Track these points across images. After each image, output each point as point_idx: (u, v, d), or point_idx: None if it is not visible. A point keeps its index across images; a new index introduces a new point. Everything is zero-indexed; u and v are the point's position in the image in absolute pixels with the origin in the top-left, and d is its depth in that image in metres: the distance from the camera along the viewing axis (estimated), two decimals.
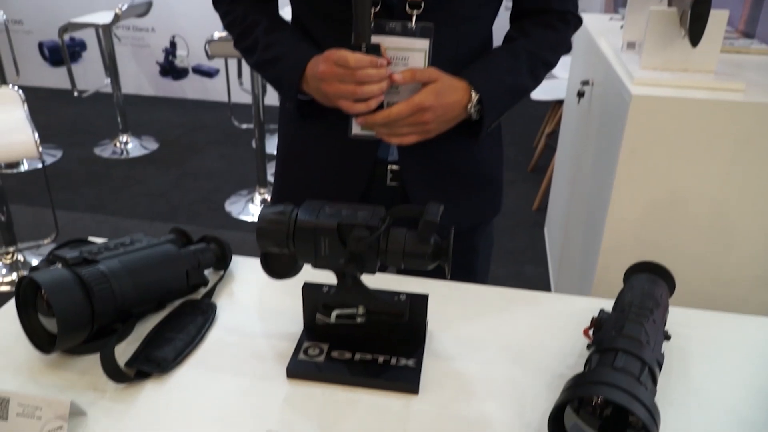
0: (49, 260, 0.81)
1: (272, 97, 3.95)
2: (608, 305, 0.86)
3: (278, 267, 0.78)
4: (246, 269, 0.99)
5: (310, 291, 0.78)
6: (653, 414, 0.58)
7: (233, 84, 3.55)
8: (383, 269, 0.74)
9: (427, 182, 1.00)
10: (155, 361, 0.77)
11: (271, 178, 3.33)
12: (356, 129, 0.93)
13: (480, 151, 1.03)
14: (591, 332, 0.77)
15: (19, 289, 0.77)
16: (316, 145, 1.03)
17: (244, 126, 3.53)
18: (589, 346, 0.76)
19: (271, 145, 3.80)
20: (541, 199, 3.16)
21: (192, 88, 4.75)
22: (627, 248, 1.51)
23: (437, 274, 0.92)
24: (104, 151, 3.84)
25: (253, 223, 3.06)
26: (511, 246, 2.84)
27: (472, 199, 1.07)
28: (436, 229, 0.69)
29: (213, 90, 4.67)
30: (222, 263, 0.95)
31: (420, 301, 0.78)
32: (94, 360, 0.77)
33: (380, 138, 0.93)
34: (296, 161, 1.08)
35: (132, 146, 3.88)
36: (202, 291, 0.91)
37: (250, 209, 3.14)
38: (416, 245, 0.69)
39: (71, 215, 3.07)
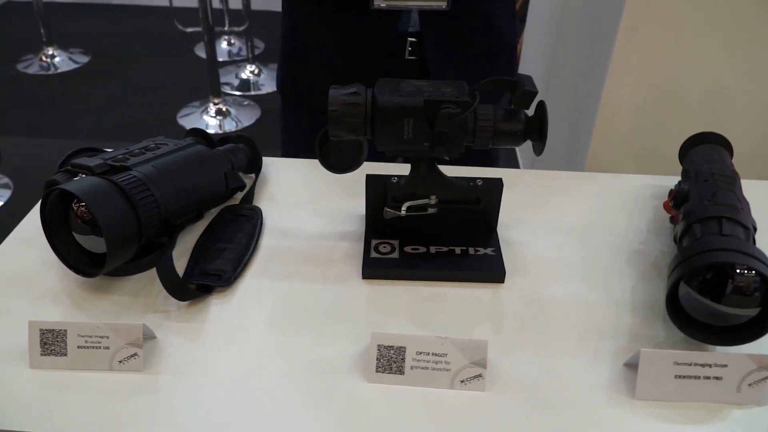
0: (69, 171, 0.70)
1: None
2: (665, 182, 0.83)
3: (338, 159, 0.70)
4: (279, 169, 0.90)
5: (375, 183, 0.71)
6: None
7: None
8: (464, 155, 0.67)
9: (447, 51, 0.96)
10: (214, 274, 0.69)
11: (224, 88, 3.14)
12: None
13: (496, 17, 0.99)
14: (672, 205, 0.74)
15: (45, 206, 0.66)
16: (333, 21, 0.95)
17: (189, 29, 3.26)
18: (671, 219, 0.74)
19: (222, 52, 3.56)
20: None
21: None
22: (620, 135, 1.47)
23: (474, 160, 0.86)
24: (29, 68, 3.49)
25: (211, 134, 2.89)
26: None
27: (490, 68, 1.01)
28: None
29: None
30: (254, 165, 0.86)
31: (495, 186, 0.72)
32: (141, 280, 0.69)
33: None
34: (308, 39, 0.99)
35: (60, 60, 3.54)
36: (239, 196, 0.83)
37: (205, 120, 2.96)
38: (508, 122, 0.63)
39: (6, 140, 2.80)
